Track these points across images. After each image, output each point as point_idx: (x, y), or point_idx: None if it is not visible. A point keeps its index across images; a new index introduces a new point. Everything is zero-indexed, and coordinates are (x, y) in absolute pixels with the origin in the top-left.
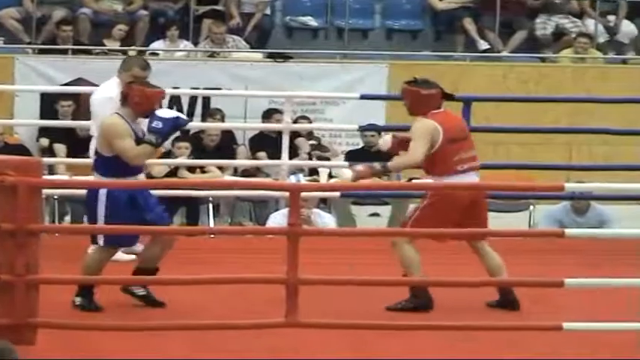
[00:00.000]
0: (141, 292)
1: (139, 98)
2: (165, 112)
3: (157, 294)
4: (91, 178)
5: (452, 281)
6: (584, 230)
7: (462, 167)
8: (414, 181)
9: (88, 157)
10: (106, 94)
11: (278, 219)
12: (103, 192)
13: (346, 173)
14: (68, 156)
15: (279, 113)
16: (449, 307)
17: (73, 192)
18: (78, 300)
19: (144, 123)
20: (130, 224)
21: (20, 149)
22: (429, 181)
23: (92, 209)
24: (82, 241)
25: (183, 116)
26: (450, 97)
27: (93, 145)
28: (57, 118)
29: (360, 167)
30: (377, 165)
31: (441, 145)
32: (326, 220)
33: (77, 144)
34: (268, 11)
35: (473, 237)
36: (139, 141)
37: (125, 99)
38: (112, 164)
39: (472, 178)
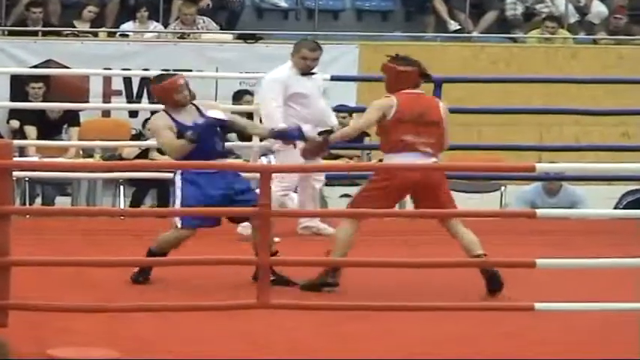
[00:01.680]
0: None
1: (158, 92)
2: (213, 112)
3: (126, 274)
4: (62, 159)
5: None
6: (555, 210)
7: (403, 148)
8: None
9: (57, 140)
10: (273, 76)
11: None
12: (177, 177)
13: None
14: (38, 138)
15: (250, 95)
16: (421, 288)
17: (44, 174)
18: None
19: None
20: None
21: None
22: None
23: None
24: (53, 223)
25: (224, 117)
26: (426, 78)
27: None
28: (27, 100)
29: (304, 145)
30: (318, 138)
31: (389, 121)
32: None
33: (47, 126)
34: None
35: (439, 217)
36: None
37: (158, 100)
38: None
39: (417, 158)
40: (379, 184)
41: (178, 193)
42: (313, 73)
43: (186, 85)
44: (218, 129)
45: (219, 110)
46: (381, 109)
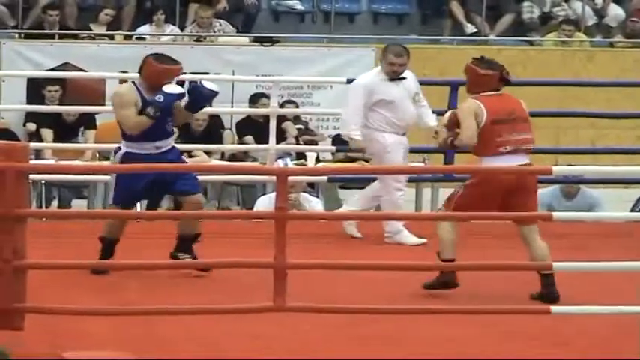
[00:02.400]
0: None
1: (149, 72)
2: (171, 88)
3: (145, 279)
4: (78, 162)
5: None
6: (572, 214)
7: (505, 149)
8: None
9: (74, 142)
10: (359, 80)
11: (265, 202)
12: (119, 155)
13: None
14: (55, 141)
15: (266, 97)
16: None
17: (60, 177)
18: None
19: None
20: (135, 189)
21: (7, 134)
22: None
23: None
24: (69, 226)
25: (208, 88)
26: (507, 82)
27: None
28: (44, 103)
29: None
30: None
31: (484, 125)
32: (313, 204)
33: (64, 129)
34: None
35: (517, 221)
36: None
37: (140, 71)
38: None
39: (519, 160)
40: (476, 190)
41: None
42: (403, 78)
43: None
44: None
45: (173, 85)
46: (473, 112)
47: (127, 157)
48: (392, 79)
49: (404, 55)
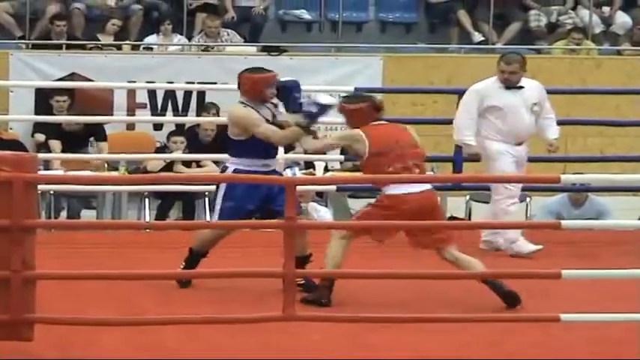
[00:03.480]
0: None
1: (247, 86)
2: (324, 98)
3: (154, 289)
4: (88, 173)
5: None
6: (580, 222)
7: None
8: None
9: (83, 153)
10: (474, 87)
11: None
12: (227, 172)
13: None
14: (63, 151)
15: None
16: (443, 300)
17: (69, 187)
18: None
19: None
20: (244, 211)
21: (15, 145)
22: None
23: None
24: (78, 236)
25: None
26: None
27: None
28: (52, 114)
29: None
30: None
31: (370, 157)
32: (322, 213)
33: (72, 139)
34: (262, 5)
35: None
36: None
37: (239, 87)
38: (243, 147)
39: (421, 187)
40: (381, 212)
41: (217, 206)
42: (520, 87)
43: (275, 84)
44: None
45: (322, 94)
46: (348, 138)
47: (226, 193)
48: (508, 87)
49: (513, 63)
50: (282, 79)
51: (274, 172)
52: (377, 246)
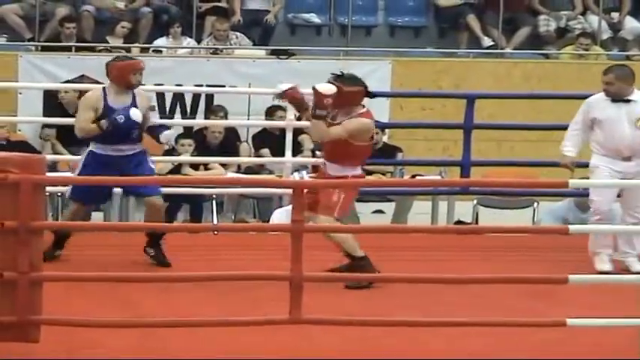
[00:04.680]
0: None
1: (114, 72)
2: (135, 113)
3: (161, 291)
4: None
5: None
6: (588, 226)
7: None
8: (417, 177)
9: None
10: (588, 98)
11: (283, 216)
12: (85, 152)
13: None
14: (69, 150)
15: (283, 110)
16: (450, 302)
17: None
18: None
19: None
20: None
21: (24, 146)
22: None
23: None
24: (85, 238)
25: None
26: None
27: None
28: (60, 115)
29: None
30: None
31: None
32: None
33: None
34: (271, 8)
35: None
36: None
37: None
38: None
39: None
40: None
41: (77, 171)
42: (629, 100)
43: (142, 71)
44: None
45: (146, 104)
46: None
47: (91, 156)
48: (614, 100)
49: (608, 74)
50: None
51: (131, 156)
52: (389, 249)
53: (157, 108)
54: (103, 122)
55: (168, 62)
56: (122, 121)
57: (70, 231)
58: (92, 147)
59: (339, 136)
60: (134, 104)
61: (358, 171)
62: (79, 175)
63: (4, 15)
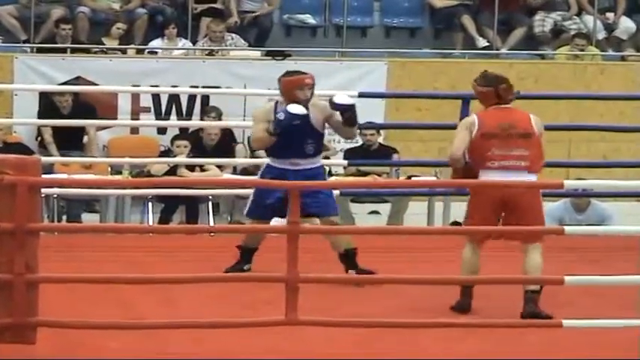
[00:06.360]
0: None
1: (282, 87)
2: (294, 107)
3: (158, 293)
4: (91, 176)
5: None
6: (583, 227)
7: (492, 163)
8: (413, 178)
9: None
10: None
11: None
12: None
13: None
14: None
15: None
16: (446, 305)
17: (68, 190)
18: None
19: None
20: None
21: (20, 148)
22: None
23: None
24: (81, 240)
25: (337, 103)
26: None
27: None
28: (56, 116)
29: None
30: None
31: (474, 139)
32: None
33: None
34: (267, 9)
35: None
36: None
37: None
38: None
39: (509, 176)
40: (472, 201)
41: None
42: None
43: (311, 86)
44: (312, 129)
45: (320, 117)
46: (467, 127)
47: (267, 170)
48: None
49: None
50: (335, 101)
51: (306, 171)
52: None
53: (152, 109)
54: (269, 127)
55: (164, 63)
56: (282, 117)
57: (256, 244)
58: (269, 160)
59: None
60: (307, 117)
61: None
62: (253, 196)
63: None
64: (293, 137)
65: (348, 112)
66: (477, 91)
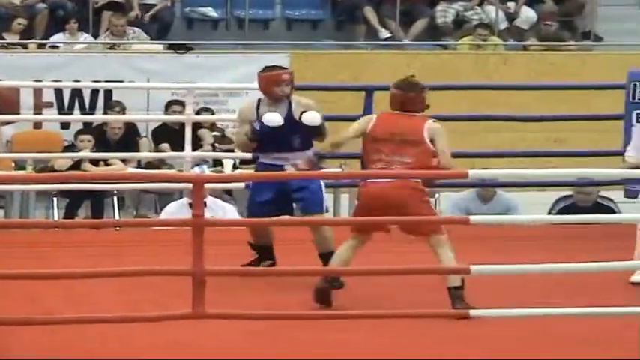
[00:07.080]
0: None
1: (260, 84)
2: (270, 117)
3: (64, 287)
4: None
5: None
6: (489, 217)
7: (376, 166)
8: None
9: None
10: None
11: (172, 209)
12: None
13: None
14: None
15: (181, 105)
16: (356, 295)
17: None
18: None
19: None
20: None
21: None
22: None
23: None
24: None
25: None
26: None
27: None
28: None
29: (299, 163)
30: (313, 157)
31: (365, 140)
32: (227, 210)
33: None
34: (168, 2)
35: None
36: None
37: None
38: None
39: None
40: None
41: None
42: None
43: (289, 82)
44: (296, 125)
45: (312, 110)
46: (361, 122)
47: (259, 167)
48: None
49: None
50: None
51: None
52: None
53: (55, 104)
54: (248, 131)
55: (66, 58)
56: (259, 128)
57: (270, 240)
58: (260, 156)
59: None
60: (289, 113)
61: None
62: (249, 195)
63: None
64: (277, 135)
65: (316, 129)
66: (406, 96)
